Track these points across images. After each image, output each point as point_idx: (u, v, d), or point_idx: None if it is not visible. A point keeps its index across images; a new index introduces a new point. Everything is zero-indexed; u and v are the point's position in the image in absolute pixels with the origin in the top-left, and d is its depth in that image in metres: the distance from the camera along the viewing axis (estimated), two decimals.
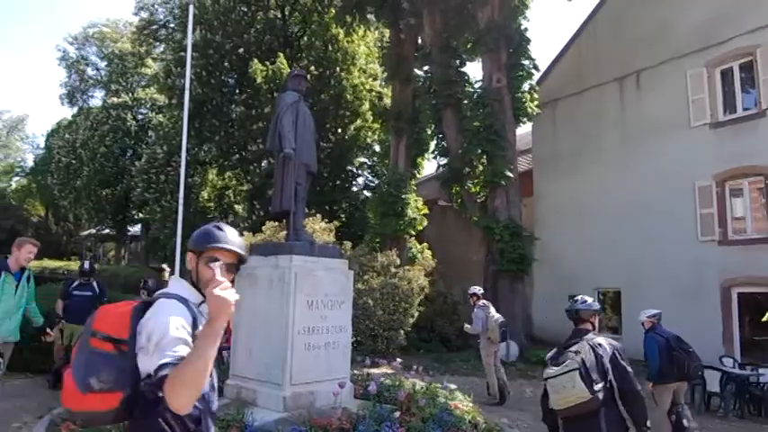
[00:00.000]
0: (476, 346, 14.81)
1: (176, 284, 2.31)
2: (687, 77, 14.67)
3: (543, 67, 17.78)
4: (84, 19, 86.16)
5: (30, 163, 57.71)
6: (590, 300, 4.34)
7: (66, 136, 42.41)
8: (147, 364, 1.97)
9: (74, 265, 30.28)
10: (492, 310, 9.87)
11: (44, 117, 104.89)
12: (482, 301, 9.93)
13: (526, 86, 15.87)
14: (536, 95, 15.99)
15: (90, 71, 47.41)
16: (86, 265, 9.25)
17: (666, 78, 15.13)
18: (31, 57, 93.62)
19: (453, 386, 7.58)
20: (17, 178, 59.57)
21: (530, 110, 15.69)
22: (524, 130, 20.01)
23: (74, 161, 38.66)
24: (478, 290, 10.33)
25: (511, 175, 14.86)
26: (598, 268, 15.85)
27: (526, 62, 15.80)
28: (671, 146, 14.68)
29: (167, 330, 1.97)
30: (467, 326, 10.13)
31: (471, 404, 7.22)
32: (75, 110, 46.65)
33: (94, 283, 8.92)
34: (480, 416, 6.97)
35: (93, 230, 46.19)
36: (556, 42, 73.17)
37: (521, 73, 15.65)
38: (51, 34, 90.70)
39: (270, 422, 5.64)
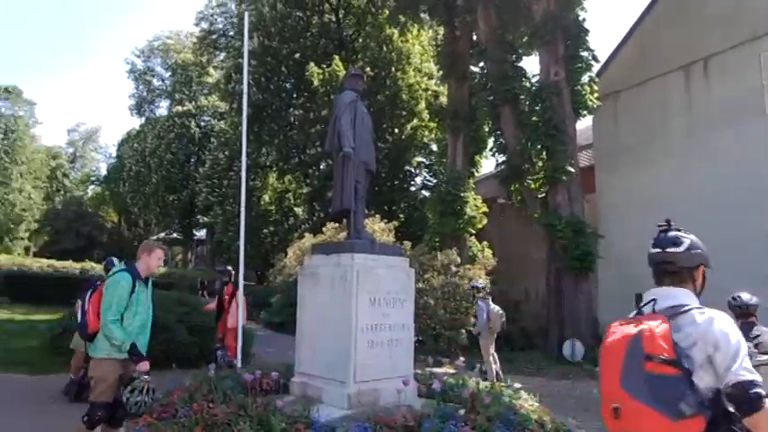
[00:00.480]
0: (539, 346, 14.65)
1: (684, 295, 2.35)
2: (762, 61, 13.91)
3: (603, 57, 17.25)
4: (149, 32, 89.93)
5: (103, 172, 60.85)
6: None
7: (135, 145, 44.45)
8: (711, 380, 1.97)
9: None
10: (491, 302, 10.72)
11: (115, 128, 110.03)
12: (481, 294, 10.87)
13: (585, 79, 15.44)
14: (596, 88, 15.55)
15: (156, 82, 49.50)
16: (115, 261, 7.77)
17: (739, 63, 14.38)
18: (103, 71, 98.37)
19: (518, 385, 7.47)
20: (92, 187, 62.84)
21: (590, 103, 15.27)
22: (584, 124, 19.49)
23: (143, 169, 40.46)
24: (480, 283, 11.41)
25: (572, 169, 14.50)
26: None
27: (585, 54, 15.37)
28: (744, 135, 13.96)
29: (731, 342, 2.00)
30: (473, 328, 10.53)
31: (537, 404, 7.10)
32: (143, 120, 48.75)
33: None
34: (547, 416, 6.83)
35: (162, 234, 48.10)
36: (616, 31, 70.86)
37: (579, 65, 15.24)
38: (121, 48, 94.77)
39: (335, 419, 5.72)
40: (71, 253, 41.54)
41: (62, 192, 60.24)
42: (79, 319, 5.05)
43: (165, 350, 9.55)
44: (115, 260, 6.64)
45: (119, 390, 4.94)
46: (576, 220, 14.32)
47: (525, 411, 6.45)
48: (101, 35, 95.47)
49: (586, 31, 15.38)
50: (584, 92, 15.17)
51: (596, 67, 16.27)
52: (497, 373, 10.02)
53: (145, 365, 4.92)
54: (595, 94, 15.40)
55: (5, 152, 47.82)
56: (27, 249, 51.14)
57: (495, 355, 10.48)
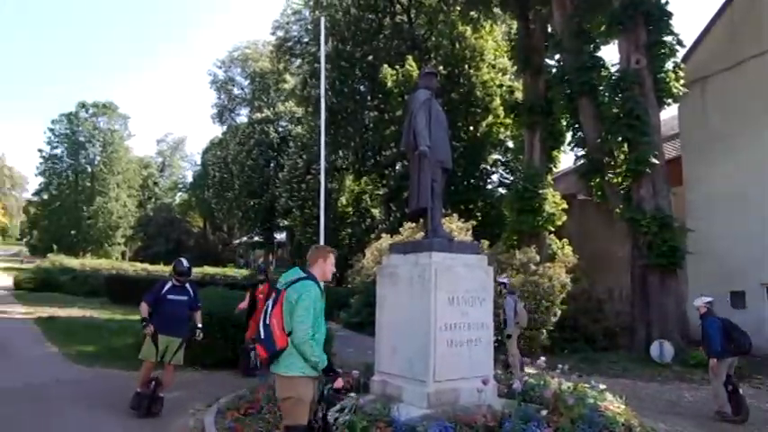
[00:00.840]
0: (624, 346, 14.06)
1: None
2: None
3: (689, 41, 16.32)
4: (229, 44, 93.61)
5: (189, 179, 63.92)
6: None
7: (218, 152, 46.41)
8: None
9: (229, 271, 33.00)
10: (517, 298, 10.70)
11: (200, 136, 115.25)
12: (507, 290, 10.63)
13: (669, 65, 14.66)
14: (681, 74, 14.73)
15: (236, 90, 51.47)
16: (184, 263, 7.41)
17: None
18: (187, 82, 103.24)
19: (603, 386, 7.22)
20: (180, 193, 66.15)
21: (675, 90, 14.48)
22: (669, 113, 18.54)
23: (225, 175, 42.17)
24: (506, 279, 11.17)
25: (656, 161, 13.82)
26: (766, 261, 14.24)
27: (668, 38, 14.58)
28: None
29: None
30: (508, 330, 10.24)
31: (624, 406, 6.84)
32: (225, 127, 50.79)
33: (188, 286, 7.39)
34: (635, 419, 6.57)
35: (245, 238, 49.90)
36: (704, 12, 66.94)
37: (663, 51, 14.47)
38: (204, 61, 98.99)
39: (415, 418, 5.74)
40: (162, 256, 43.96)
41: (153, 199, 63.83)
42: (261, 333, 4.30)
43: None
44: (265, 266, 6.36)
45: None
46: (662, 214, 13.64)
47: (611, 413, 6.25)
48: (185, 50, 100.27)
49: (670, 15, 14.59)
50: (668, 79, 14.41)
51: (682, 53, 15.42)
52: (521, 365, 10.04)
53: (340, 382, 4.56)
54: (681, 81, 14.60)
55: (104, 164, 51.25)
56: (123, 254, 54.52)
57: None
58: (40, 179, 51.36)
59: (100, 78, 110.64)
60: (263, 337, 4.27)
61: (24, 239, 65.89)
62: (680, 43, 14.76)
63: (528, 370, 9.42)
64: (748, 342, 8.19)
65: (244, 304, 9.93)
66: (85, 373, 9.55)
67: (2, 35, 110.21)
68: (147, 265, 32.13)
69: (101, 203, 49.80)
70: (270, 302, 4.37)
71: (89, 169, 51.14)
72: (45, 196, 51.10)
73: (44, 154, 50.63)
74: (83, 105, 51.78)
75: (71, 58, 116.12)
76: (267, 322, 4.28)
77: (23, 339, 12.83)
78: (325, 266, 4.65)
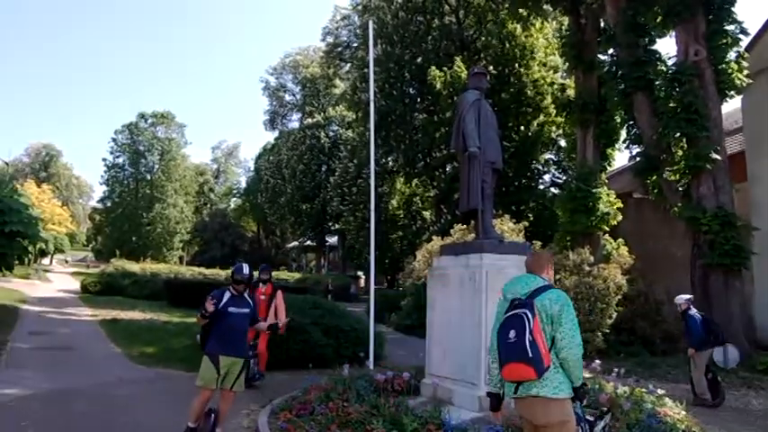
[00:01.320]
0: (683, 350, 13.52)
1: None
2: None
3: (753, 29, 15.56)
4: (281, 50, 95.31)
5: (243, 185, 65.43)
6: None
7: (271, 158, 47.35)
8: None
9: (283, 274, 33.56)
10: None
11: (253, 142, 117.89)
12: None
13: (732, 55, 13.98)
14: (745, 64, 14.06)
15: (287, 97, 52.34)
16: (245, 268, 6.09)
17: None
18: (241, 90, 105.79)
19: (661, 391, 6.97)
20: (234, 199, 67.78)
21: (737, 82, 13.82)
22: (732, 106, 17.75)
23: (278, 180, 42.96)
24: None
25: (717, 157, 13.24)
26: None
27: (731, 27, 13.92)
28: None
29: None
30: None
31: (684, 412, 6.58)
32: (277, 133, 51.74)
33: (246, 295, 6.10)
34: (696, 426, 6.32)
35: (297, 243, 50.65)
36: None
37: (724, 41, 13.83)
38: (256, 68, 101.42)
39: (466, 421, 5.70)
40: (217, 260, 45.16)
41: (208, 205, 65.65)
42: (528, 351, 3.56)
43: (301, 351, 10.07)
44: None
45: None
46: (724, 211, 13.05)
47: (671, 420, 6.03)
48: (238, 58, 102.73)
49: (732, 2, 13.93)
50: (730, 70, 13.76)
51: (745, 42, 14.71)
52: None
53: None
54: (744, 72, 13.94)
55: (162, 172, 53.08)
56: (181, 258, 56.26)
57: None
58: (104, 187, 53.68)
59: (158, 89, 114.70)
60: (530, 355, 3.56)
61: (90, 245, 68.92)
62: (743, 32, 14.08)
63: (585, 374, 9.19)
64: (723, 334, 9.58)
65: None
66: (147, 373, 9.91)
67: (67, 50, 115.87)
68: (203, 269, 33.06)
69: (159, 210, 51.58)
70: (511, 315, 3.75)
71: (148, 177, 53.08)
72: (108, 204, 53.35)
73: (107, 163, 52.88)
74: (142, 116, 53.83)
75: (131, 69, 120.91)
76: (532, 339, 3.57)
77: (89, 340, 13.44)
78: (551, 273, 4.24)
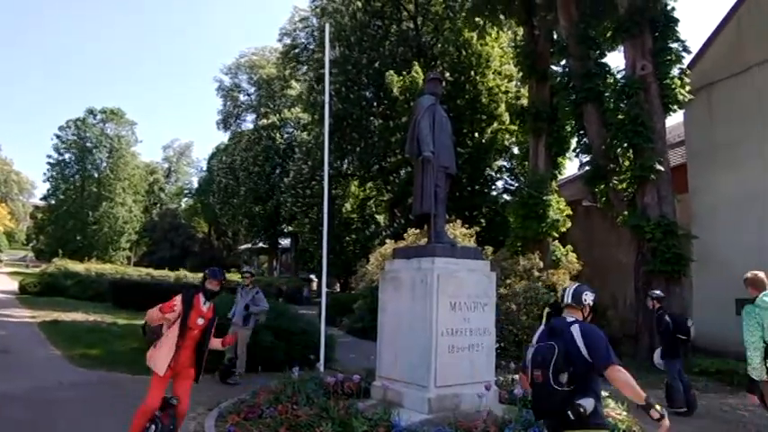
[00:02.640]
0: (628, 353, 13.95)
1: None
2: None
3: (695, 48, 16.30)
4: (236, 50, 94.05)
5: (195, 185, 64.14)
6: None
7: (224, 158, 46.52)
8: None
9: (235, 276, 33.04)
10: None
11: (206, 142, 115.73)
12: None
13: (675, 72, 14.63)
14: (687, 81, 14.70)
15: (242, 97, 51.61)
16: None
17: None
18: (194, 89, 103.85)
19: (605, 393, 7.15)
20: (186, 199, 66.38)
21: (680, 97, 14.45)
22: (675, 120, 18.48)
23: (231, 181, 42.25)
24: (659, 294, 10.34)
25: (661, 168, 13.78)
26: None
27: (674, 45, 14.56)
28: None
29: None
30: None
31: (626, 413, 6.78)
32: (230, 134, 50.91)
33: None
34: (637, 426, 6.53)
35: (249, 245, 49.95)
36: (710, 19, 66.74)
37: (668, 57, 14.45)
38: (209, 67, 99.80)
39: (415, 423, 5.72)
40: (167, 262, 44.06)
41: (158, 204, 64.06)
42: None
43: (251, 354, 9.92)
44: None
45: None
46: (667, 221, 13.58)
47: (612, 420, 6.20)
48: (192, 55, 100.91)
49: (676, 21, 14.58)
50: (674, 86, 14.37)
51: (688, 59, 15.39)
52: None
53: None
54: (687, 88, 14.56)
55: (111, 169, 51.47)
56: (129, 259, 54.66)
57: None
58: (47, 185, 51.61)
59: (107, 85, 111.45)
60: None
61: (30, 244, 66.16)
62: (686, 50, 14.74)
63: None
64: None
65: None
66: (89, 376, 9.57)
67: (7, 40, 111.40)
68: (151, 270, 32.18)
69: (107, 208, 49.96)
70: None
71: (96, 175, 51.32)
72: (52, 201, 51.30)
73: (51, 160, 50.86)
74: (91, 112, 52.03)
75: (78, 63, 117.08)
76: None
77: (27, 343, 12.87)
78: None
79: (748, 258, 14.46)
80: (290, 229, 37.69)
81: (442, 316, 6.27)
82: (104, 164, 51.66)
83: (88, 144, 50.98)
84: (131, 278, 27.14)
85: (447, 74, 24.41)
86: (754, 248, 14.42)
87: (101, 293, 24.48)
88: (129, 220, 52.02)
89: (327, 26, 13.32)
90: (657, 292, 9.61)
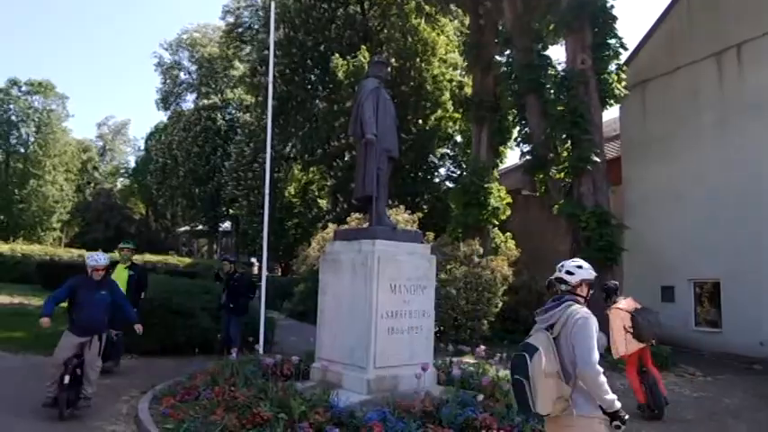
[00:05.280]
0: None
1: None
2: None
3: (632, 45, 16.91)
4: (177, 26, 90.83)
5: (132, 164, 61.86)
6: None
7: (162, 138, 45.03)
8: None
9: (171, 259, 32.15)
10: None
11: (144, 121, 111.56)
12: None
13: (613, 67, 15.12)
14: (624, 76, 15.23)
15: (182, 75, 49.93)
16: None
17: None
18: (132, 64, 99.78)
19: None
20: (121, 179, 63.91)
21: (617, 92, 14.96)
22: (612, 115, 19.18)
23: (169, 161, 40.98)
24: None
25: (597, 159, 14.26)
26: (695, 258, 14.95)
27: (612, 41, 15.04)
28: None
29: None
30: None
31: None
32: (169, 113, 49.26)
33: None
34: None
35: (188, 227, 48.71)
36: (645, 18, 69.42)
37: (607, 53, 14.92)
38: (148, 42, 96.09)
39: (354, 404, 5.75)
40: (100, 243, 42.33)
41: (92, 184, 61.32)
42: None
43: (188, 336, 9.72)
44: None
45: None
46: (601, 210, 14.09)
47: None
48: (129, 28, 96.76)
49: (614, 18, 15.05)
50: (611, 81, 14.86)
51: (625, 56, 15.95)
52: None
53: None
54: (623, 83, 15.09)
55: (39, 145, 48.80)
56: (59, 240, 52.27)
57: None
58: None
59: (35, 56, 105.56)
60: None
61: None
62: (623, 46, 15.24)
63: (467, 359, 9.56)
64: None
65: None
66: (10, 361, 9.13)
67: None
68: (83, 252, 30.88)
69: (35, 186, 47.46)
70: None
71: (22, 150, 48.61)
72: None
73: None
74: (14, 83, 49.00)
75: (5, 32, 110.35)
76: None
77: None
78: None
79: (672, 248, 15.30)
80: (231, 212, 36.93)
81: (381, 298, 6.31)
82: (32, 139, 48.98)
83: (13, 117, 48.16)
84: (61, 259, 26.00)
85: (392, 60, 24.36)
86: (678, 238, 15.23)
87: (27, 275, 23.34)
88: (60, 200, 49.62)
89: (272, 5, 13.02)
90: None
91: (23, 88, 49.32)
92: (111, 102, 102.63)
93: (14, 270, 24.44)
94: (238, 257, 40.33)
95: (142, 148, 57.54)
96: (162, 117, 53.58)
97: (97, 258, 6.60)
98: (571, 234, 14.69)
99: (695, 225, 14.98)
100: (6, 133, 47.74)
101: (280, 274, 31.76)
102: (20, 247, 28.62)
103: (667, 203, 15.81)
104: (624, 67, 15.58)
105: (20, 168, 47.72)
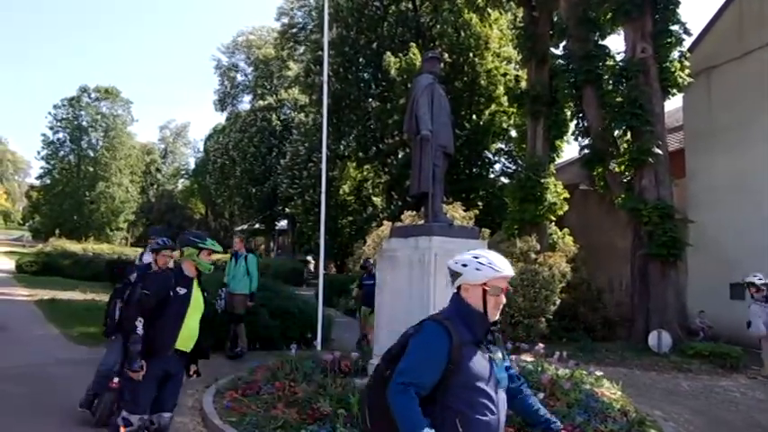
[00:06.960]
0: (623, 336, 14.07)
1: None
2: None
3: (696, 31, 16.22)
4: (233, 28, 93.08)
5: (191, 166, 63.92)
6: None
7: (220, 139, 46.29)
8: None
9: (228, 257, 33.08)
10: None
11: (203, 123, 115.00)
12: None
13: (675, 55, 14.54)
14: (687, 64, 14.62)
15: (239, 77, 51.20)
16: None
17: None
18: (191, 69, 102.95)
19: (599, 373, 7.24)
20: (182, 180, 66.15)
21: (680, 80, 14.37)
22: (675, 105, 18.45)
23: (227, 162, 42.11)
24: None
25: (659, 151, 13.76)
26: (765, 253, 14.22)
27: (675, 27, 14.46)
28: None
29: None
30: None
31: (620, 392, 6.86)
32: (227, 114, 50.57)
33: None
34: (631, 405, 6.60)
35: (245, 226, 49.92)
36: (711, 2, 66.19)
37: (669, 40, 14.35)
38: (209, 45, 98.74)
39: None
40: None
41: (155, 185, 63.73)
42: None
43: (249, 332, 9.98)
44: None
45: None
46: (664, 204, 13.59)
47: (607, 399, 6.27)
48: (190, 34, 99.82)
49: (677, 3, 14.45)
50: (673, 69, 14.29)
51: (688, 42, 15.29)
52: None
53: None
54: (686, 71, 14.49)
55: (107, 149, 51.12)
56: (126, 240, 54.59)
57: None
58: (42, 164, 51.27)
59: (103, 63, 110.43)
60: None
61: (27, 224, 65.99)
62: (686, 32, 14.64)
63: (525, 357, 9.43)
64: None
65: None
66: (87, 354, 9.59)
67: (2, 18, 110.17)
68: None
69: (103, 188, 49.74)
70: None
71: (91, 154, 50.99)
72: (47, 181, 51.00)
73: (46, 139, 50.48)
74: (84, 90, 51.44)
75: (74, 41, 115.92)
76: None
77: (24, 320, 12.90)
78: None
79: (741, 243, 14.58)
80: (287, 210, 37.62)
81: (439, 295, 6.27)
82: (100, 143, 51.30)
83: (83, 123, 50.59)
84: (128, 258, 27.11)
85: (445, 55, 24.22)
86: (748, 233, 14.50)
87: (98, 273, 24.48)
88: (126, 201, 51.84)
89: (326, 5, 13.17)
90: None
91: (92, 95, 51.72)
92: (173, 105, 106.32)
93: (87, 268, 25.70)
94: (295, 255, 41.14)
95: (201, 149, 59.33)
96: (220, 119, 55.04)
97: None
98: (632, 229, 14.26)
99: (766, 219, 14.24)
100: (78, 138, 50.23)
101: (335, 271, 32.15)
102: (91, 247, 30.00)
103: (735, 197, 15.08)
104: (687, 54, 14.95)
105: (90, 171, 50.07)
